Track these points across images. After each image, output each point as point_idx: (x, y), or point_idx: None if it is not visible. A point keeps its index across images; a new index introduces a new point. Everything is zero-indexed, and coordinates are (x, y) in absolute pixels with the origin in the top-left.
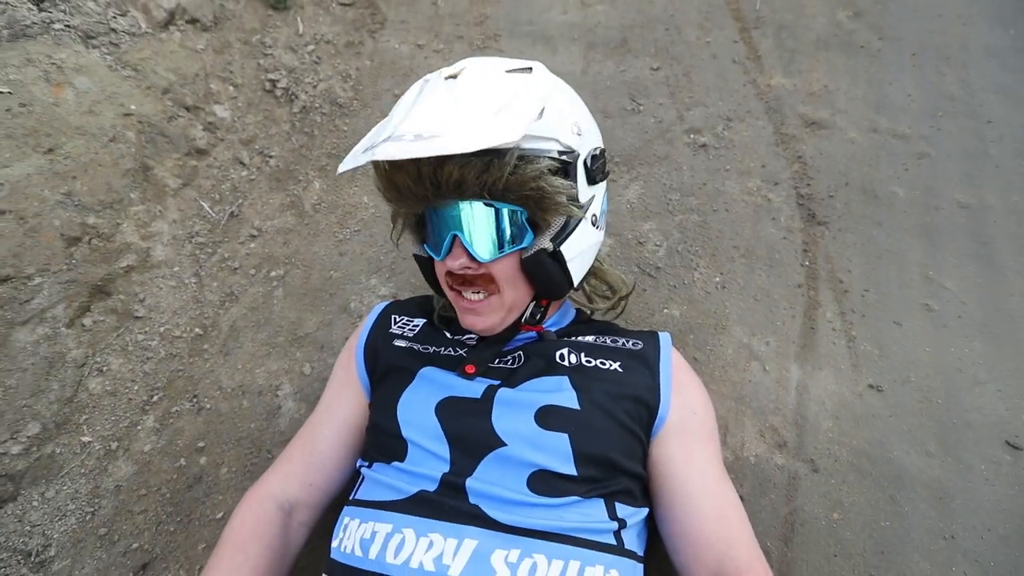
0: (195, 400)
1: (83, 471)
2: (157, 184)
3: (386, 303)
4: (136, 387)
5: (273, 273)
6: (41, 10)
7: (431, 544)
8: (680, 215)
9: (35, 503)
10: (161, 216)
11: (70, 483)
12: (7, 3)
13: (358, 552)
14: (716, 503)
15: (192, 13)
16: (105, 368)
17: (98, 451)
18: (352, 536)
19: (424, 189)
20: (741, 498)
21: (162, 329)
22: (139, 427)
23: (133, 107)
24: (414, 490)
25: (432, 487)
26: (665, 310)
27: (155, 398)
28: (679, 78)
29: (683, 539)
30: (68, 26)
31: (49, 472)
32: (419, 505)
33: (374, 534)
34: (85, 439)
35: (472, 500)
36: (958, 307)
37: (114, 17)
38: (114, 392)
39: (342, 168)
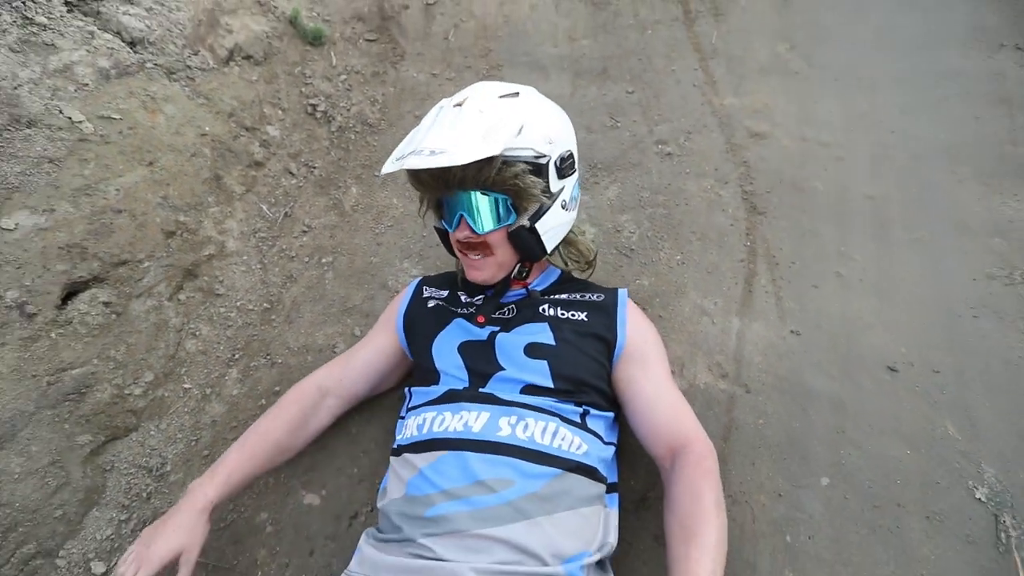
0: (268, 357)
1: (186, 410)
2: (227, 190)
3: (420, 278)
4: (221, 347)
5: (323, 260)
6: (135, 52)
7: (461, 417)
8: (650, 208)
9: (152, 433)
10: (231, 216)
11: (177, 418)
12: (112, 48)
13: (414, 433)
14: (667, 401)
15: (247, 50)
16: (197, 333)
17: (196, 395)
18: (409, 427)
19: (438, 184)
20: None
21: (238, 303)
22: (226, 377)
23: (207, 128)
24: (445, 390)
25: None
26: (637, 281)
27: (236, 356)
28: (649, 99)
29: (646, 428)
30: (156, 64)
31: (161, 410)
32: (451, 398)
33: (424, 419)
34: (186, 386)
35: (485, 391)
36: (860, 273)
37: (189, 56)
38: (205, 351)
39: (383, 171)
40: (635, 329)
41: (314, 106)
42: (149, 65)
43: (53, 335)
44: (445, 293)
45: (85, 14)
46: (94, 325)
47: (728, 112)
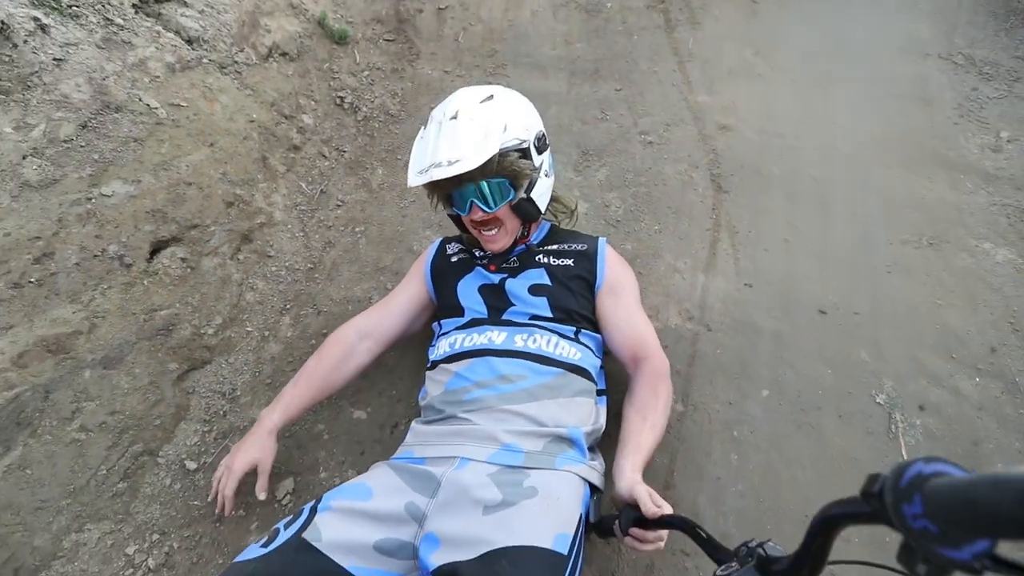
0: (315, 307)
1: (249, 348)
2: (272, 169)
3: (441, 238)
4: (275, 299)
5: (357, 229)
6: (193, 49)
7: (485, 334)
8: (633, 188)
9: (223, 365)
10: (276, 191)
11: (243, 355)
12: (175, 45)
13: (447, 350)
14: (634, 323)
15: (283, 48)
16: (254, 287)
17: (257, 336)
18: (441, 347)
19: (452, 184)
20: (666, 347)
21: (287, 264)
22: (280, 323)
23: (254, 116)
24: (471, 318)
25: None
26: (622, 246)
27: (288, 306)
28: (635, 96)
29: (618, 342)
30: (210, 60)
31: (229, 347)
32: (475, 324)
33: (455, 339)
34: (248, 329)
35: (502, 319)
36: (804, 240)
37: (236, 52)
38: (261, 302)
39: (411, 184)
40: (611, 271)
41: (342, 98)
42: (205, 60)
43: (145, 282)
44: (462, 249)
45: (147, 15)
46: (175, 276)
47: (701, 108)
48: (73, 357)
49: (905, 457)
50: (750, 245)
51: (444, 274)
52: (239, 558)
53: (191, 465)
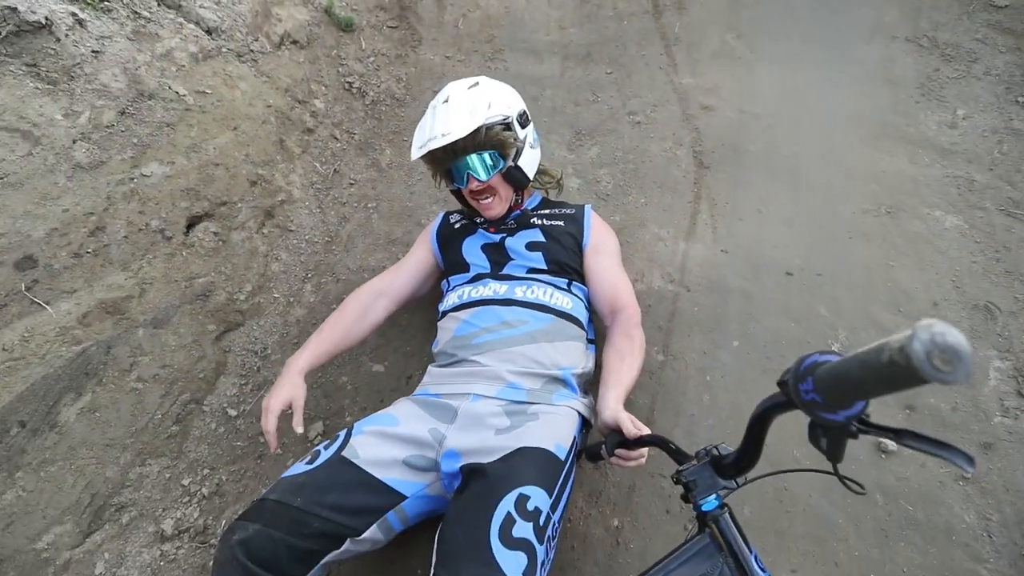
0: (334, 275)
1: (277, 312)
2: (289, 151)
3: (444, 211)
4: (297, 269)
5: (369, 205)
6: (213, 39)
7: (489, 286)
8: (622, 164)
9: (254, 328)
10: (293, 171)
11: (271, 318)
12: (196, 36)
13: (455, 301)
14: (613, 278)
15: (294, 36)
16: (279, 258)
17: (283, 302)
18: (450, 299)
19: (447, 156)
20: (649, 306)
21: (306, 237)
22: (303, 290)
23: (271, 102)
24: (475, 273)
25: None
26: (611, 217)
27: (309, 275)
28: (624, 79)
29: (598, 294)
30: (229, 49)
31: (258, 312)
32: (479, 278)
33: (462, 292)
34: (275, 295)
35: (503, 273)
36: (777, 209)
37: (252, 41)
38: (286, 271)
39: (413, 158)
40: (596, 232)
41: (350, 83)
42: (224, 49)
43: (184, 253)
44: (464, 217)
45: (169, 7)
46: (209, 248)
47: (685, 89)
48: (128, 318)
49: None
50: (727, 215)
51: (449, 238)
52: (286, 474)
53: (232, 412)
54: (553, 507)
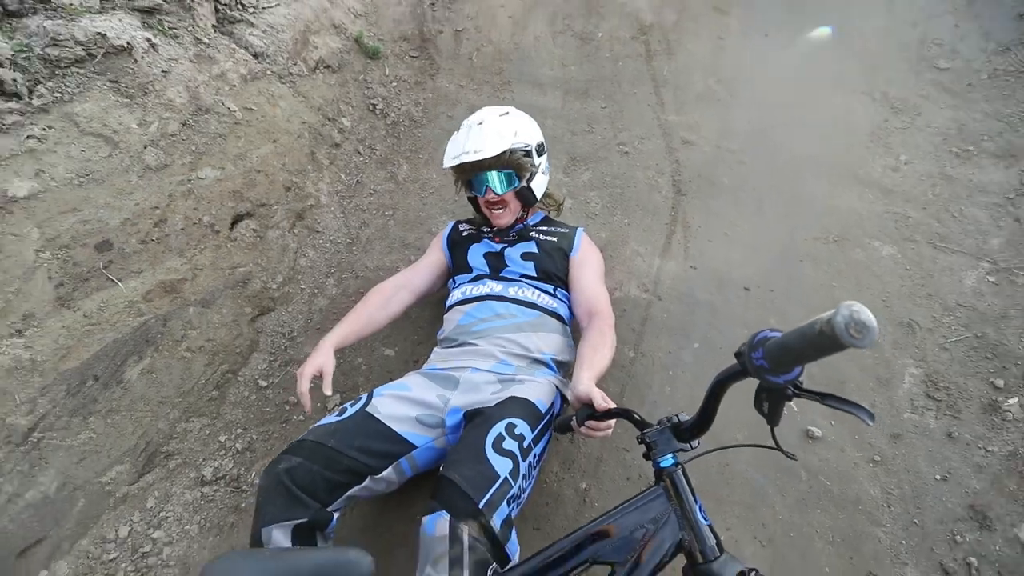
0: (353, 272)
1: (303, 301)
2: (318, 162)
3: (454, 221)
4: (322, 264)
5: (386, 213)
6: (259, 62)
7: (487, 285)
8: (610, 188)
9: (283, 313)
10: (321, 180)
11: (297, 306)
12: (245, 60)
13: (459, 296)
14: (592, 288)
15: (327, 62)
16: (306, 255)
17: (308, 293)
18: (455, 295)
19: (475, 168)
20: (625, 311)
21: (331, 238)
22: (326, 283)
23: (305, 118)
24: (477, 274)
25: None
26: (598, 235)
27: (332, 271)
28: (616, 113)
29: (578, 301)
30: (272, 71)
31: (287, 300)
32: (479, 278)
33: (465, 290)
34: (302, 287)
35: (500, 276)
36: (740, 234)
37: (291, 65)
38: (312, 266)
39: (446, 166)
40: (583, 250)
41: (374, 105)
42: (268, 72)
43: (228, 246)
44: (472, 228)
45: (223, 33)
46: (249, 242)
47: (670, 125)
48: (181, 297)
49: None
50: (698, 237)
51: (458, 244)
52: (319, 423)
53: (262, 383)
54: (535, 440)
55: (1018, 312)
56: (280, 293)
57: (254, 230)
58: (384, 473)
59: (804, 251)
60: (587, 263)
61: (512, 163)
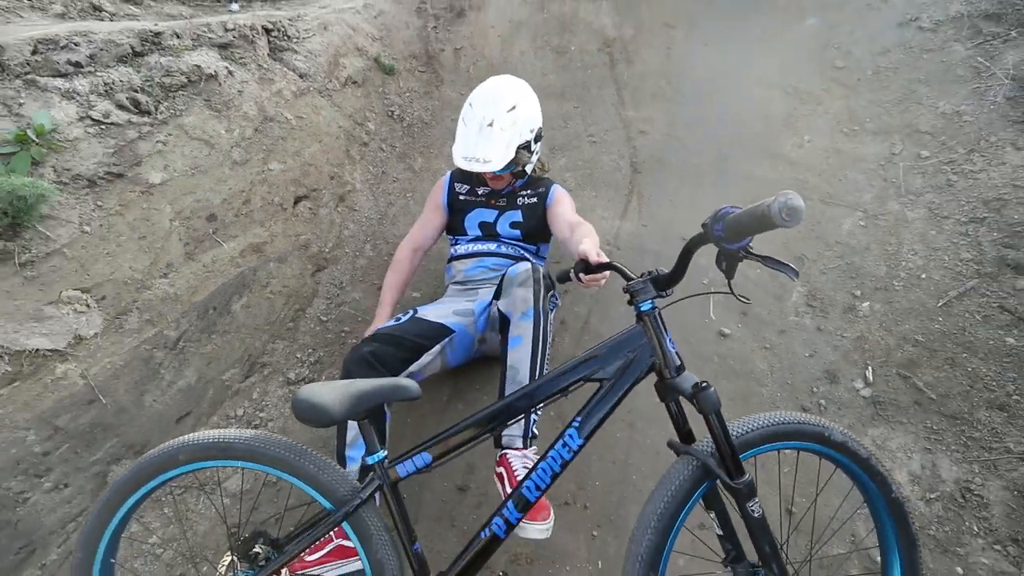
0: (384, 239)
1: (348, 261)
2: (352, 157)
3: (450, 173)
4: (360, 235)
5: (407, 195)
6: (304, 80)
7: (484, 245)
8: (582, 170)
9: (334, 270)
10: (355, 171)
11: (343, 265)
12: (294, 80)
13: (463, 251)
14: (568, 214)
15: (354, 78)
16: (347, 227)
17: (351, 255)
18: (459, 249)
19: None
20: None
21: (365, 215)
22: (364, 248)
23: (341, 124)
24: (474, 235)
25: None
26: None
27: (368, 239)
28: (586, 111)
29: (560, 225)
30: (313, 88)
31: (336, 260)
32: (477, 239)
33: (466, 247)
34: (346, 250)
35: (491, 236)
36: (682, 201)
37: (327, 82)
38: (353, 236)
39: (457, 165)
40: (557, 196)
41: (392, 111)
42: (311, 88)
43: (292, 219)
44: (468, 187)
45: (276, 60)
46: (306, 217)
47: (629, 120)
48: (264, 255)
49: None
50: (649, 204)
51: (457, 208)
52: (382, 326)
53: (323, 319)
54: (547, 277)
55: (877, 245)
56: (331, 255)
57: (309, 208)
58: (434, 349)
59: None
60: (560, 203)
61: (519, 160)
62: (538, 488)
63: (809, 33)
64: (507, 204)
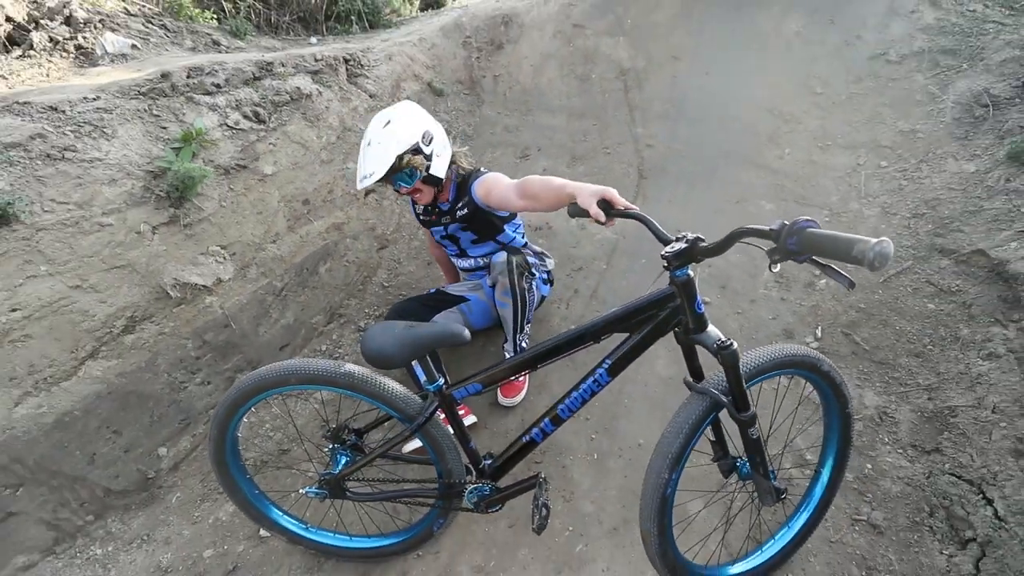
0: (400, 230)
1: (404, 242)
2: None
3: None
4: (413, 224)
5: None
6: (372, 100)
7: (464, 261)
8: (597, 176)
9: (394, 249)
10: None
11: (401, 245)
12: (365, 100)
13: (455, 260)
14: (508, 187)
15: (412, 99)
16: (405, 216)
17: (407, 238)
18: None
19: (382, 182)
20: (602, 244)
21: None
22: (417, 233)
23: None
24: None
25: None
26: None
27: (393, 230)
28: (602, 128)
29: (508, 199)
30: (381, 105)
31: (396, 241)
32: (455, 256)
33: (456, 262)
34: (403, 234)
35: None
36: (680, 201)
37: (391, 101)
38: (409, 223)
39: (358, 187)
40: (481, 189)
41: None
42: (379, 106)
43: (363, 207)
44: (421, 207)
45: (352, 83)
46: (373, 206)
47: (638, 135)
48: (343, 232)
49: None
50: (652, 201)
51: (425, 226)
52: (415, 296)
53: (386, 285)
54: (521, 264)
55: None
56: (392, 237)
57: (376, 200)
58: (451, 309)
59: (718, 209)
60: (489, 188)
61: (404, 166)
62: (569, 410)
63: (796, 63)
64: (450, 219)
